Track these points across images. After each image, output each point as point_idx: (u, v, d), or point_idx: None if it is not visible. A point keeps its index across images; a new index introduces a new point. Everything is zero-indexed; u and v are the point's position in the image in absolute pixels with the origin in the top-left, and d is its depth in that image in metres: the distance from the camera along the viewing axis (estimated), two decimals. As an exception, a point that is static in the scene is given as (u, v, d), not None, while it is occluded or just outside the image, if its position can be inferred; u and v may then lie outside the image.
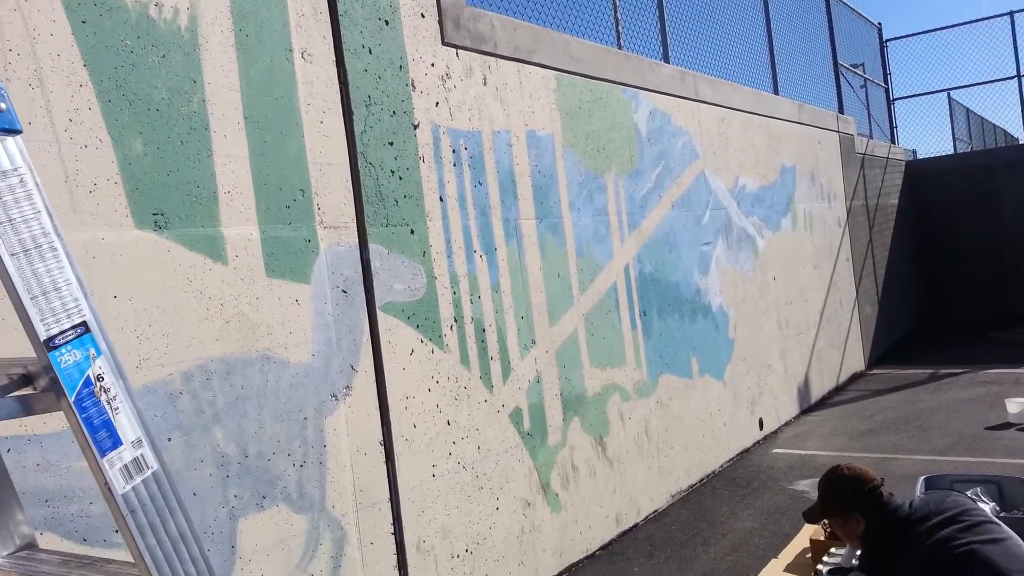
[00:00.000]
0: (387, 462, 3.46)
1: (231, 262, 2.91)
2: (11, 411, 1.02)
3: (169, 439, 2.67)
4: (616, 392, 5.04)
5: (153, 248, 2.68)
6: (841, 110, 10.15)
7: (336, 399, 3.26)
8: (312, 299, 3.20)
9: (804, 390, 7.83)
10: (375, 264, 3.49)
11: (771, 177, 7.55)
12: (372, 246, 3.48)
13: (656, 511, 5.29)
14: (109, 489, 1.04)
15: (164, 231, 2.72)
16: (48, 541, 2.33)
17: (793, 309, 7.73)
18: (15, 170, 1.03)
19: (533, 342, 4.37)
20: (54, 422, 2.36)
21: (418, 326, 3.69)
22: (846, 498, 2.67)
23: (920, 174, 12.94)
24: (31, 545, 1.32)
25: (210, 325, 2.83)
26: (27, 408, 1.03)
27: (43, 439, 2.35)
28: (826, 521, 3.11)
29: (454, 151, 3.95)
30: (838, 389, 8.63)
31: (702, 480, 5.86)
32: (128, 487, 1.05)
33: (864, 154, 10.54)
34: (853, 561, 3.30)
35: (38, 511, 2.32)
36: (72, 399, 1.02)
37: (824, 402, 8.12)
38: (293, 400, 3.09)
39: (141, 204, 2.66)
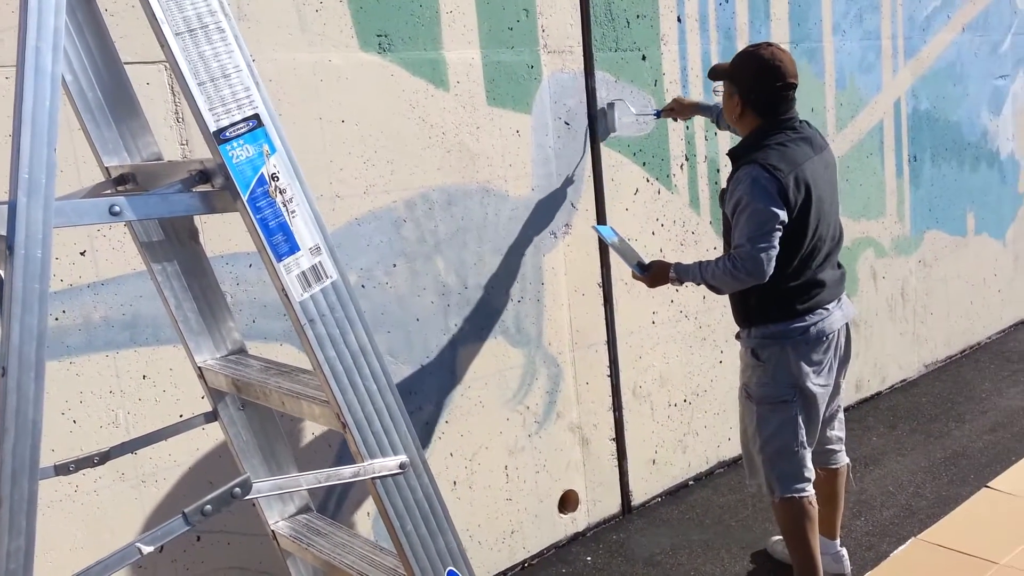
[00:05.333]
0: (605, 305, 3.36)
1: (452, 88, 2.81)
2: (190, 207, 0.98)
3: (394, 265, 2.73)
4: (870, 247, 4.48)
5: (378, 72, 2.64)
6: None
7: (555, 236, 3.16)
8: (533, 131, 3.05)
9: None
10: (601, 94, 3.23)
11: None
12: (598, 73, 3.21)
13: (904, 380, 4.78)
14: (287, 296, 0.98)
15: (388, 54, 2.65)
16: (285, 353, 2.52)
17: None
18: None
19: (774, 187, 3.92)
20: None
21: (644, 164, 3.42)
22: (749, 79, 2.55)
23: None
24: (241, 350, 1.36)
25: (432, 154, 2.79)
26: (207, 205, 0.98)
27: (281, 256, 2.48)
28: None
29: (696, -37, 3.47)
30: None
31: (964, 351, 5.18)
32: (306, 295, 0.99)
33: None
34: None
35: (276, 324, 2.50)
36: (246, 198, 0.95)
37: None
38: (511, 234, 3.02)
39: (366, 24, 2.60)
